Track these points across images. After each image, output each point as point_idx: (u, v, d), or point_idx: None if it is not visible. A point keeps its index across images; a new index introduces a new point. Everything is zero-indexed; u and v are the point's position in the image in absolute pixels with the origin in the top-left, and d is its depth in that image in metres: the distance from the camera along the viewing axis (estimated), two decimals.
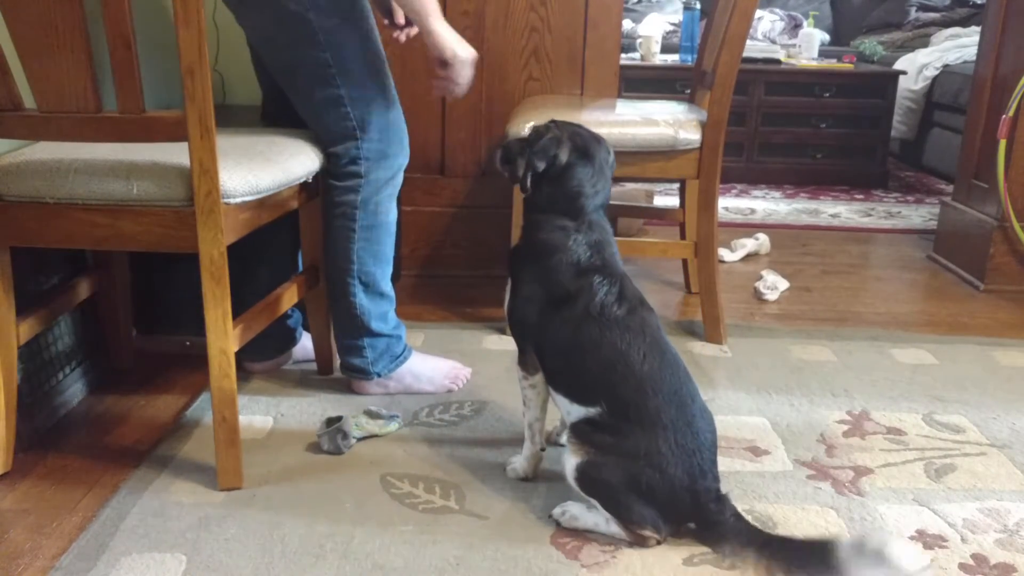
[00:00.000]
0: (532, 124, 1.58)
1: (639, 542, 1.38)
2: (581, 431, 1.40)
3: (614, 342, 1.40)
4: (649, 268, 2.92)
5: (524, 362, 1.52)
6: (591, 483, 1.37)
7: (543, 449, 1.59)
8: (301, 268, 1.97)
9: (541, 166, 1.48)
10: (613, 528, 1.39)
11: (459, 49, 1.68)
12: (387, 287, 1.87)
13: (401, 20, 1.91)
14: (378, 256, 1.82)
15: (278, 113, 1.87)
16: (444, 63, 1.69)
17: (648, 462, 1.33)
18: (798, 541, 1.32)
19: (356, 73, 1.68)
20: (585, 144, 1.51)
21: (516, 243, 1.56)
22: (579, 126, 1.54)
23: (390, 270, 1.87)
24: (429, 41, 1.67)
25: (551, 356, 1.47)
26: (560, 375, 1.47)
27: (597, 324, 1.41)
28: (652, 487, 1.34)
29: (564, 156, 1.48)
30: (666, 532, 1.38)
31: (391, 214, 1.83)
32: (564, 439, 1.62)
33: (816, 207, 3.97)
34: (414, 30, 1.83)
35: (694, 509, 1.35)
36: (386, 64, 1.75)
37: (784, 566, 1.27)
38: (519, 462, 1.58)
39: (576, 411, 1.43)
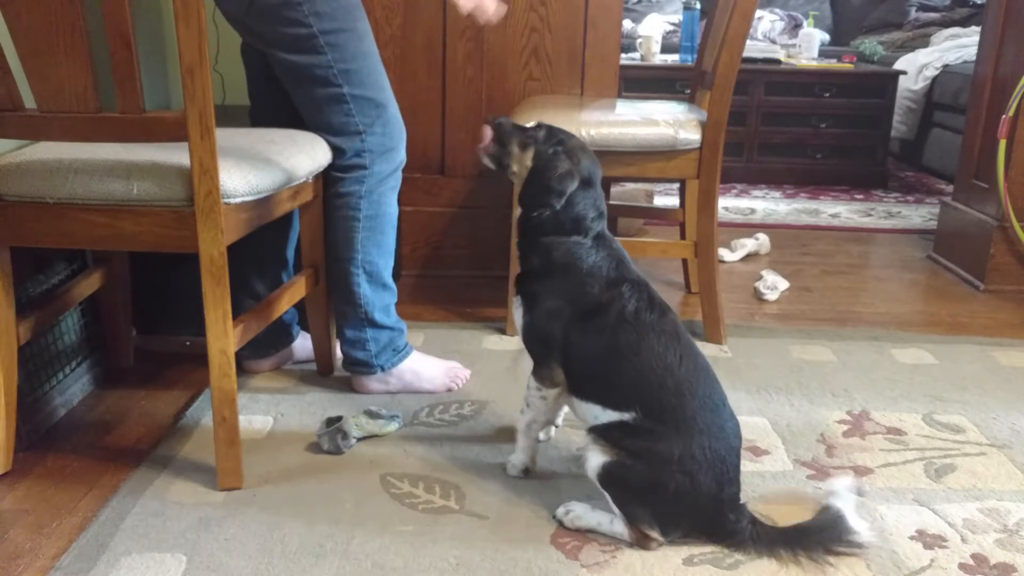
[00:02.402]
0: (540, 127, 1.57)
1: (643, 544, 1.38)
2: (611, 434, 1.39)
3: (652, 346, 1.40)
4: (649, 268, 2.92)
5: (542, 375, 1.51)
6: (614, 482, 1.37)
7: (539, 441, 1.61)
8: (291, 266, 1.98)
9: (558, 204, 1.47)
10: (616, 528, 1.39)
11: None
12: (389, 280, 1.88)
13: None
14: (381, 246, 1.84)
15: (265, 117, 1.89)
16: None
17: (680, 467, 1.33)
18: (812, 522, 1.39)
19: (356, 72, 1.72)
20: (590, 174, 1.51)
21: (525, 266, 1.53)
22: (577, 142, 1.54)
23: (392, 263, 1.88)
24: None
25: (580, 366, 1.46)
26: (591, 383, 1.45)
27: (634, 329, 1.41)
28: (680, 492, 1.34)
29: (573, 187, 1.49)
30: (673, 537, 1.38)
31: (393, 207, 1.86)
32: (541, 436, 1.67)
33: (816, 207, 3.97)
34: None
35: (714, 517, 1.36)
36: (381, 62, 1.79)
37: (815, 549, 1.35)
38: (517, 458, 1.60)
39: (607, 416, 1.42)
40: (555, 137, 1.53)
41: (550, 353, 1.49)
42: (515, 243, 1.58)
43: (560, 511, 1.45)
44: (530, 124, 1.58)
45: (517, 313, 1.54)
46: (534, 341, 1.52)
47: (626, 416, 1.39)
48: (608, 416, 1.41)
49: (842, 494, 1.41)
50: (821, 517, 1.39)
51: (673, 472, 1.33)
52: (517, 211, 1.56)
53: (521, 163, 1.53)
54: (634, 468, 1.35)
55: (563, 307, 1.47)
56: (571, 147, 1.53)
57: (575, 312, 1.46)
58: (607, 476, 1.37)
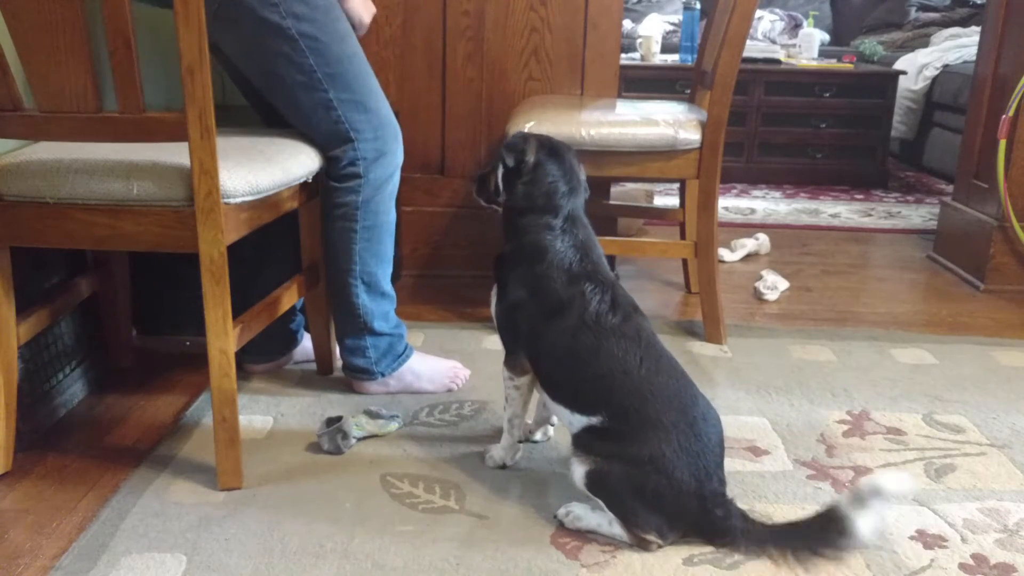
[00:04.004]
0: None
1: (642, 546, 1.38)
2: (585, 441, 1.40)
3: (611, 350, 1.41)
4: (649, 268, 2.92)
5: (512, 364, 1.54)
6: (600, 488, 1.37)
7: (521, 441, 1.63)
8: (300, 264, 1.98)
9: (511, 161, 1.52)
10: (616, 530, 1.39)
11: (365, 16, 1.79)
12: (388, 287, 1.87)
13: None
14: (379, 256, 1.83)
15: (275, 118, 1.87)
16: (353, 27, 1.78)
17: (654, 467, 1.33)
18: (807, 522, 1.35)
19: (341, 75, 1.68)
20: (553, 144, 1.55)
21: (503, 249, 1.57)
22: (525, 132, 1.61)
23: (391, 269, 1.87)
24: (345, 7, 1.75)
25: (548, 368, 1.48)
26: (559, 386, 1.47)
27: (593, 333, 1.42)
28: (659, 492, 1.34)
29: (532, 153, 1.52)
30: (671, 539, 1.38)
31: (391, 213, 1.84)
32: (539, 436, 1.71)
33: (816, 207, 3.97)
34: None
35: (700, 515, 1.35)
36: (367, 62, 1.75)
37: (805, 551, 1.32)
38: (497, 452, 1.62)
39: (578, 420, 1.43)
40: (520, 132, 1.60)
41: (516, 342, 1.52)
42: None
43: (561, 512, 1.45)
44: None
45: (493, 298, 1.58)
46: (503, 329, 1.55)
47: (594, 420, 1.40)
48: (579, 420, 1.43)
49: (887, 490, 1.29)
50: (818, 517, 1.35)
51: (648, 473, 1.33)
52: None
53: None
54: (612, 473, 1.36)
55: (528, 298, 1.49)
56: (532, 134, 1.58)
57: (538, 308, 1.48)
58: (592, 484, 1.38)
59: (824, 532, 1.31)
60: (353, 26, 1.75)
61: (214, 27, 1.65)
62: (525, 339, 1.50)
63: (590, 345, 1.42)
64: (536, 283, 1.48)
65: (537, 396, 1.63)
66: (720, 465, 1.38)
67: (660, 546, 1.38)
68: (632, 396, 1.38)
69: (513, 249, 1.54)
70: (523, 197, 1.52)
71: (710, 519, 1.35)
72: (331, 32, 1.67)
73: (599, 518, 1.41)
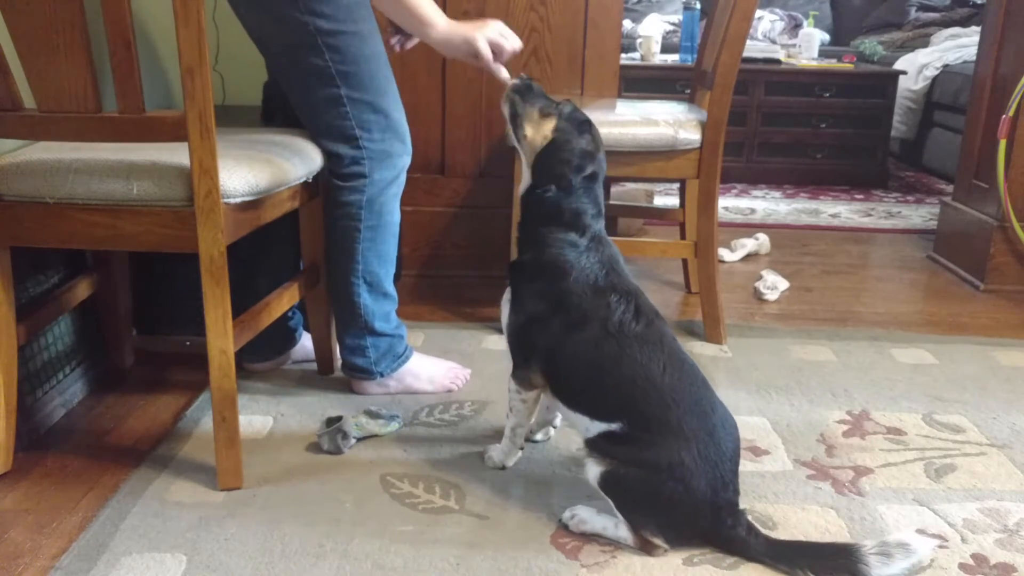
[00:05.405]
0: (568, 102, 1.52)
1: (647, 550, 1.38)
2: (602, 445, 1.39)
3: (634, 357, 1.39)
4: (649, 268, 2.92)
5: (521, 378, 1.51)
6: (615, 490, 1.37)
7: (521, 447, 1.62)
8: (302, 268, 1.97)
9: (576, 180, 1.46)
10: (622, 532, 1.39)
11: (481, 45, 1.69)
12: (390, 287, 1.87)
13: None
14: (382, 256, 1.82)
15: (279, 113, 1.87)
16: (473, 58, 1.71)
17: (671, 474, 1.33)
18: (818, 546, 1.34)
19: (356, 75, 1.68)
20: (602, 166, 1.50)
21: (519, 257, 1.52)
22: (591, 125, 1.51)
23: (393, 270, 1.87)
24: (439, 49, 1.70)
25: (568, 377, 1.46)
26: (578, 395, 1.45)
27: (616, 341, 1.40)
28: (674, 499, 1.33)
29: (590, 169, 1.47)
30: (676, 545, 1.37)
31: (395, 214, 1.83)
32: (539, 436, 1.70)
33: (816, 207, 3.97)
34: (412, 41, 1.83)
35: (712, 523, 1.35)
36: (388, 64, 1.75)
37: (811, 571, 1.30)
38: (497, 453, 1.62)
39: (596, 427, 1.41)
40: (581, 117, 1.50)
41: (528, 356, 1.49)
42: (515, 224, 1.56)
43: (566, 515, 1.44)
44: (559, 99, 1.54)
45: (505, 307, 1.54)
46: (515, 342, 1.52)
47: (614, 426, 1.39)
48: (597, 427, 1.41)
49: (913, 547, 1.29)
50: (832, 547, 1.34)
51: (665, 480, 1.33)
52: (521, 186, 1.53)
53: (537, 131, 1.48)
54: (629, 476, 1.35)
55: (547, 315, 1.46)
56: (596, 132, 1.51)
57: (560, 322, 1.44)
58: (606, 484, 1.37)
59: (835, 562, 1.29)
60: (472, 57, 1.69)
61: (238, 10, 1.68)
62: (541, 354, 1.47)
63: (614, 354, 1.40)
64: (560, 298, 1.44)
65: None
66: (736, 474, 1.38)
67: (665, 551, 1.37)
68: (655, 403, 1.36)
69: (533, 261, 1.49)
70: (552, 206, 1.47)
71: (719, 527, 1.35)
72: (352, 31, 1.66)
73: (604, 521, 1.41)
